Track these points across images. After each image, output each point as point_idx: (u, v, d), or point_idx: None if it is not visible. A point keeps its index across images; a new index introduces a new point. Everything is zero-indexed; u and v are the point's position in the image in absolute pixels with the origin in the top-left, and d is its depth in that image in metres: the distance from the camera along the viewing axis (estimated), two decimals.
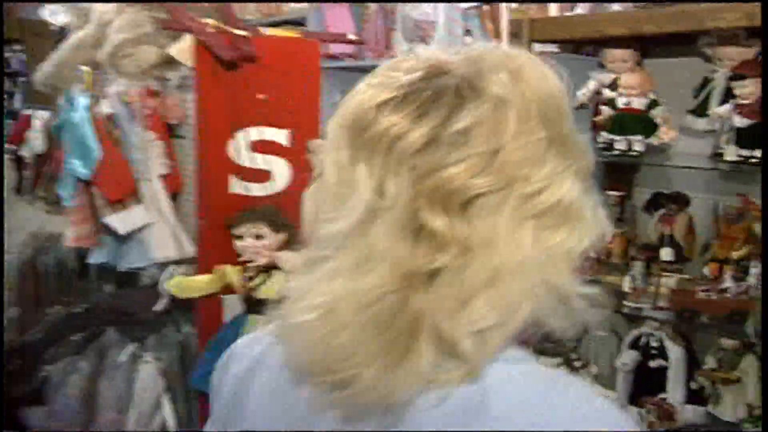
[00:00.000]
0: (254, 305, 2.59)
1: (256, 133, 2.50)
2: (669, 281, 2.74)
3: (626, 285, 2.74)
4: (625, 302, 2.72)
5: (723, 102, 2.61)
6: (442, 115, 0.76)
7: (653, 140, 2.73)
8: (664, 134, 2.74)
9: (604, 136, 2.78)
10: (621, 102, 2.78)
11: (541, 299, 0.77)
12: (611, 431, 0.74)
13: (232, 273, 2.52)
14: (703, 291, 2.57)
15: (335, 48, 3.92)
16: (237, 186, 2.56)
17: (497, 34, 3.28)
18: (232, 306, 2.57)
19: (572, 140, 0.82)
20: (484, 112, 0.76)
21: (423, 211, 0.74)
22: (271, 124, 2.55)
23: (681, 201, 2.85)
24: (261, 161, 2.52)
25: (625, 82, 2.78)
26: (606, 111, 2.82)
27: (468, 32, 3.41)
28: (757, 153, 2.45)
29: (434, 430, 0.75)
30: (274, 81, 2.51)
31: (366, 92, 0.81)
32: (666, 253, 2.81)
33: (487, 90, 0.77)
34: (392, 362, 0.74)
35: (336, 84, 4.06)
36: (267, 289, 2.57)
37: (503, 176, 0.75)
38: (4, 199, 2.53)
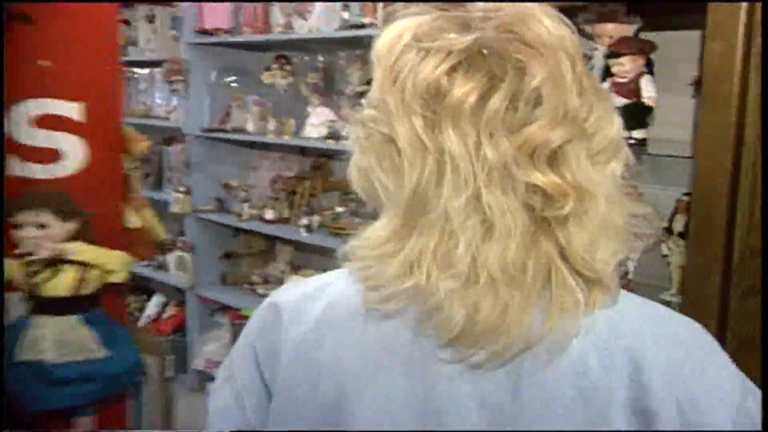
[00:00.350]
0: (40, 304, 2.30)
1: (36, 105, 2.19)
2: None
3: None
4: None
5: (603, 81, 2.47)
6: (513, 74, 0.77)
7: None
8: None
9: None
10: None
11: (626, 226, 0.83)
12: (700, 332, 0.86)
13: (12, 267, 2.20)
14: None
15: (209, 22, 3.67)
16: (16, 167, 2.24)
17: (374, 9, 3.09)
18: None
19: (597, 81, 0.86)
20: (547, 67, 0.78)
21: (517, 168, 0.77)
22: (57, 96, 2.22)
23: None
24: (45, 138, 2.21)
25: None
26: None
27: (346, 6, 3.21)
28: (636, 134, 2.33)
29: (589, 350, 0.80)
30: (59, 46, 2.19)
31: (426, 60, 0.80)
32: None
33: (539, 42, 0.79)
34: (545, 308, 0.79)
35: (210, 60, 3.81)
36: (54, 286, 2.28)
37: (573, 125, 0.79)
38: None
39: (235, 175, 3.88)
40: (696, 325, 0.87)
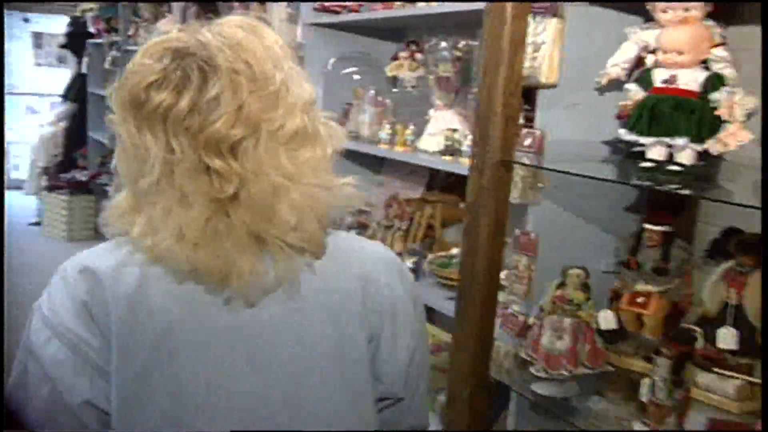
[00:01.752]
0: None
1: None
2: (723, 386, 1.59)
3: (643, 393, 1.59)
4: (638, 426, 1.58)
5: None
6: (196, 88, 1.06)
7: (712, 146, 1.57)
8: (730, 136, 1.56)
9: (625, 135, 1.65)
10: (659, 77, 1.63)
11: (320, 195, 1.14)
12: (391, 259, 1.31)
13: None
14: None
15: None
16: None
17: None
18: None
19: (296, 82, 1.13)
20: (224, 83, 1.06)
21: (205, 157, 1.06)
22: None
23: (758, 250, 1.67)
24: None
25: (666, 40, 1.62)
26: (633, 92, 1.67)
27: None
28: None
29: (336, 276, 1.20)
30: None
31: (133, 77, 1.09)
32: (725, 337, 1.65)
33: (220, 66, 1.07)
34: (252, 258, 1.10)
35: (329, 46, 3.07)
36: None
37: (250, 124, 1.07)
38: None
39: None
40: (393, 253, 1.33)
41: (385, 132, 2.69)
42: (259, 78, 1.08)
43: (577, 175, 1.64)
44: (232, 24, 1.13)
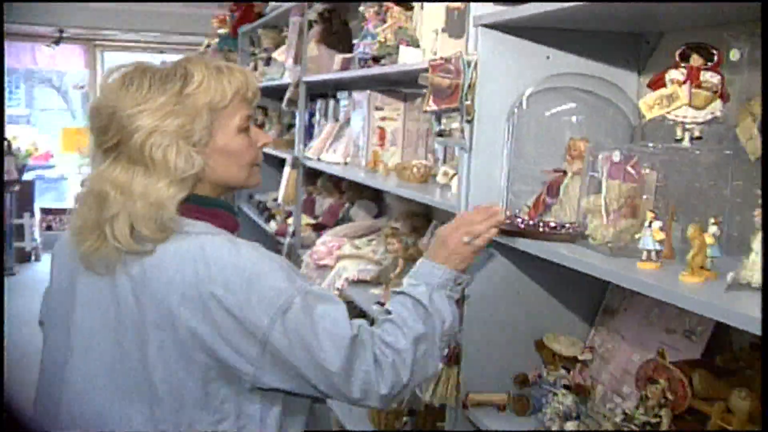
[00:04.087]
0: None
1: None
2: None
3: None
4: None
5: None
6: (95, 106, 1.47)
7: None
8: None
9: None
10: None
11: (140, 211, 1.36)
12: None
13: None
14: None
15: None
16: None
17: None
18: None
19: (171, 113, 1.40)
20: (99, 107, 1.42)
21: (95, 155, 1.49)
22: None
23: None
24: None
25: None
26: None
27: None
28: None
29: (161, 263, 1.40)
30: None
31: None
32: None
33: (102, 94, 1.44)
34: (95, 235, 1.38)
35: (518, 61, 1.67)
36: None
37: (110, 139, 1.40)
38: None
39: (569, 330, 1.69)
40: (251, 252, 1.41)
41: (650, 237, 1.26)
42: (119, 106, 1.39)
43: None
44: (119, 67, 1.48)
